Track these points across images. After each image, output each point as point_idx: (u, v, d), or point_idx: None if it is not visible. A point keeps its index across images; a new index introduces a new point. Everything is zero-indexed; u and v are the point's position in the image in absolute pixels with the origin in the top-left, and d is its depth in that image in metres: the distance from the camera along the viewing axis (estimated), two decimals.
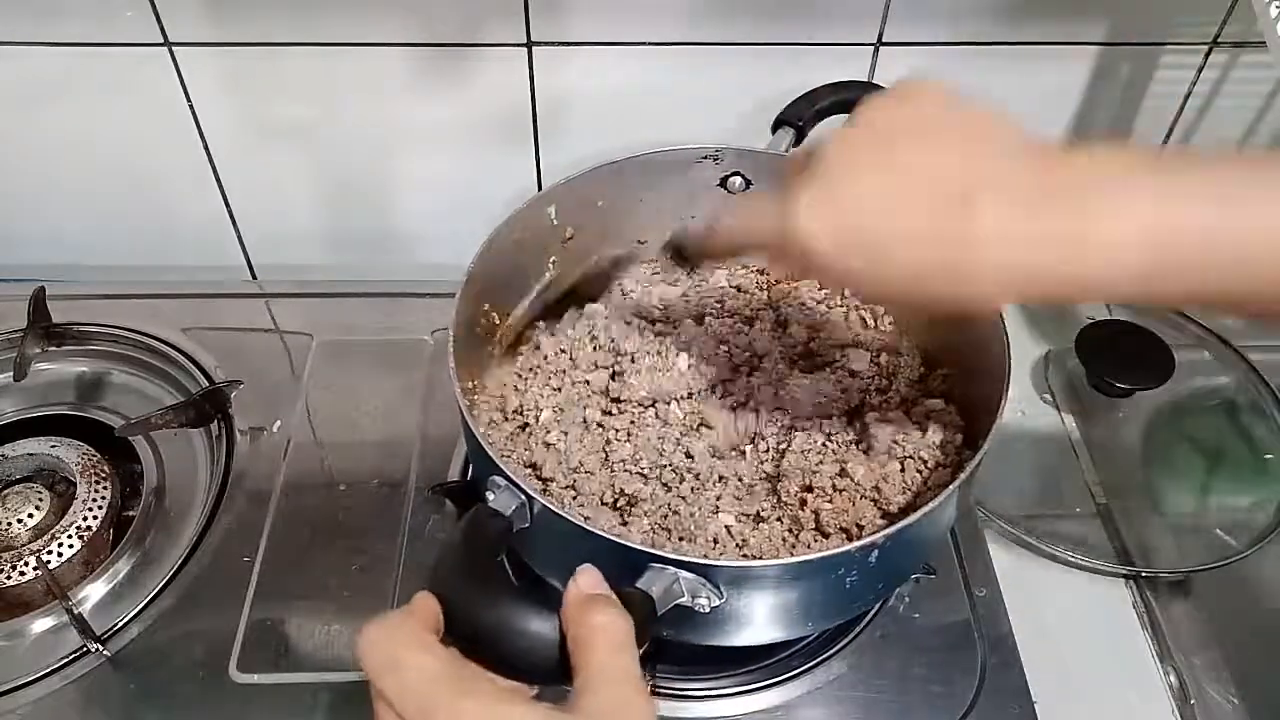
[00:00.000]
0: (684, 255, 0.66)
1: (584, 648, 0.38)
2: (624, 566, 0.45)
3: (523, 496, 0.51)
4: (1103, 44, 0.80)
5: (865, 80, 0.75)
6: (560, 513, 0.50)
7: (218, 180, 0.88)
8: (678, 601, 0.47)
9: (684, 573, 0.47)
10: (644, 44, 0.78)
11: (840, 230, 0.42)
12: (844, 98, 0.71)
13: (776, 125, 0.70)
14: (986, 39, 0.78)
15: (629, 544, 0.48)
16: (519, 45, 0.78)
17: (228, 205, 0.90)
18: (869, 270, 0.42)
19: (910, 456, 0.60)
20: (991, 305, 0.43)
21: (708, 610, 0.49)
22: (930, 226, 0.41)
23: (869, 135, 0.43)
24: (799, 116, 0.69)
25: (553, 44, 0.78)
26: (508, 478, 0.51)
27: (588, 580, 0.41)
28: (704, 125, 0.78)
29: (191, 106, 0.82)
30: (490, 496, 0.51)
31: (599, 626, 0.39)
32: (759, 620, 0.53)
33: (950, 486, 0.51)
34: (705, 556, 0.57)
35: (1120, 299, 0.42)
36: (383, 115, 0.84)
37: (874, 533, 0.51)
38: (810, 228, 0.42)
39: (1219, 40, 0.79)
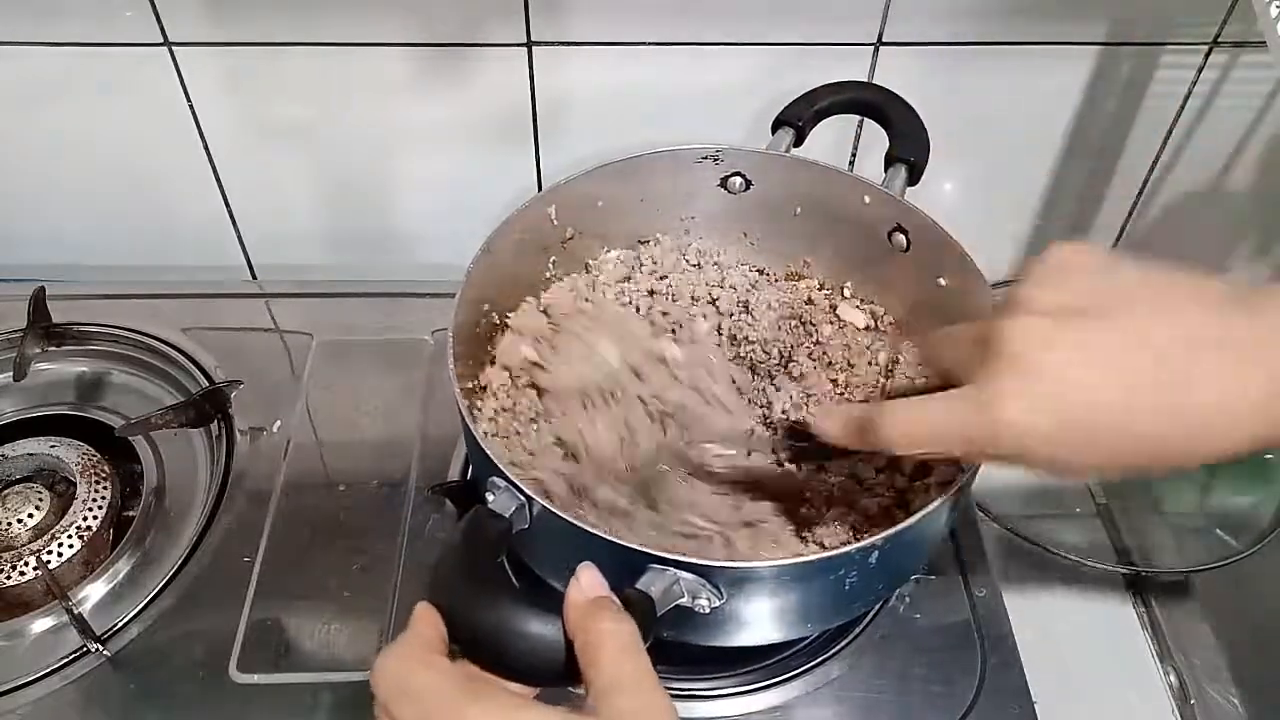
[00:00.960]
0: (813, 450, 0.57)
1: (593, 654, 0.38)
2: (624, 567, 0.45)
3: (522, 498, 0.50)
4: (1103, 44, 0.80)
5: (865, 81, 0.75)
6: (559, 514, 0.50)
7: (218, 180, 0.88)
8: (678, 602, 0.47)
9: (684, 574, 0.47)
10: (644, 44, 0.78)
11: (1058, 421, 0.39)
12: (843, 98, 0.71)
13: (776, 126, 0.70)
14: (986, 39, 0.78)
15: (629, 545, 0.48)
16: (519, 45, 0.78)
17: (228, 205, 0.90)
18: (1090, 458, 0.39)
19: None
20: (1223, 460, 0.39)
21: (708, 611, 0.49)
22: (1157, 401, 0.38)
23: (1043, 316, 0.40)
24: (799, 117, 0.69)
25: (553, 44, 0.78)
26: (507, 479, 0.51)
27: (589, 581, 0.41)
28: (703, 125, 0.78)
29: (191, 106, 0.82)
30: (490, 498, 0.51)
31: (606, 632, 0.39)
32: (759, 621, 0.53)
33: (952, 488, 0.51)
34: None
35: None
36: (383, 115, 0.84)
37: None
38: (1023, 423, 0.39)
39: (1219, 40, 0.79)
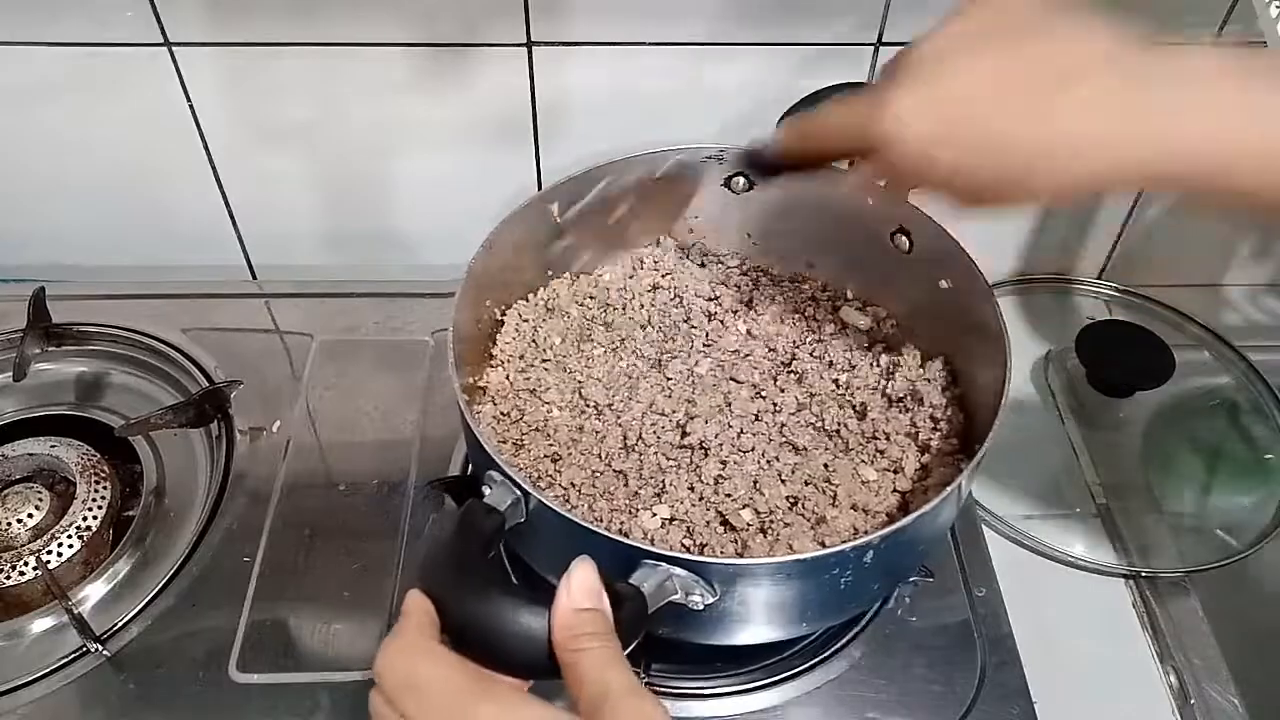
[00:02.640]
0: (761, 167, 0.60)
1: (573, 672, 0.39)
2: (617, 562, 0.45)
3: (518, 492, 0.51)
4: None
5: (868, 83, 0.75)
6: (554, 508, 0.50)
7: (218, 180, 0.88)
8: (671, 599, 0.47)
9: (677, 570, 0.47)
10: (644, 44, 0.78)
11: (937, 119, 0.42)
12: None
13: (779, 125, 0.70)
14: None
15: (622, 540, 0.48)
16: (519, 45, 0.78)
17: (228, 205, 0.90)
18: (964, 160, 0.42)
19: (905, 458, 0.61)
20: (1086, 190, 0.42)
21: (701, 608, 0.49)
22: (1028, 105, 0.41)
23: (960, 35, 0.43)
24: None
25: (553, 44, 0.78)
26: (503, 472, 0.51)
27: (580, 588, 0.41)
28: (703, 125, 0.78)
29: (191, 106, 0.82)
30: (486, 491, 0.51)
31: (585, 651, 0.39)
32: (753, 619, 0.53)
33: (947, 489, 0.51)
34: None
35: (1203, 184, 0.41)
36: (383, 115, 0.84)
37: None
38: (905, 118, 0.42)
39: (1219, 40, 0.79)
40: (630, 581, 0.46)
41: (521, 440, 0.63)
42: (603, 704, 0.37)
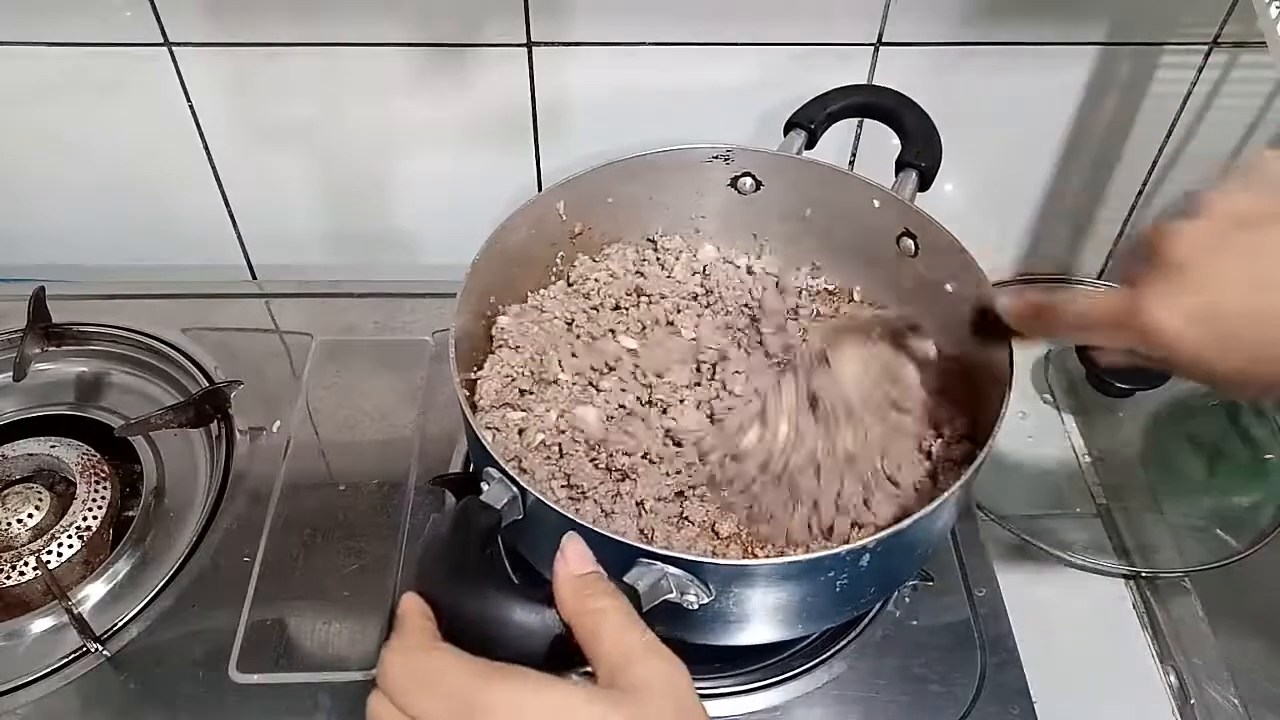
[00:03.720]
0: (993, 327, 0.57)
1: (594, 634, 0.38)
2: (612, 560, 0.45)
3: (515, 489, 0.51)
4: (1103, 44, 0.80)
5: (877, 85, 0.75)
6: (551, 505, 0.50)
7: (218, 180, 0.88)
8: (666, 598, 0.47)
9: (671, 569, 0.47)
10: (644, 44, 0.78)
11: (1197, 317, 0.40)
12: (856, 101, 0.71)
13: (788, 128, 0.70)
14: (986, 39, 0.78)
15: (617, 538, 0.48)
16: (519, 45, 0.78)
17: (228, 205, 0.90)
18: (1226, 357, 0.41)
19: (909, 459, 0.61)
20: None
21: (696, 608, 0.49)
22: None
23: (1220, 221, 0.41)
24: (811, 119, 0.70)
25: (553, 44, 0.78)
26: (501, 469, 0.51)
27: (575, 555, 0.41)
28: (703, 126, 0.78)
29: (191, 106, 0.82)
30: (484, 488, 0.51)
31: (602, 610, 0.39)
32: (749, 620, 0.53)
33: (945, 494, 0.51)
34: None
35: None
36: (383, 115, 0.84)
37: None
38: (1162, 314, 0.40)
39: (1219, 40, 0.79)
40: (625, 580, 0.46)
41: (523, 435, 0.63)
42: (627, 666, 0.37)
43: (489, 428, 0.63)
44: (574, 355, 0.67)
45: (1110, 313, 0.44)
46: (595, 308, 0.70)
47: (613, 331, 0.69)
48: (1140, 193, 0.90)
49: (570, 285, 0.72)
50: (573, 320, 0.69)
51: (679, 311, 0.70)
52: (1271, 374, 0.40)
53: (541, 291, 0.71)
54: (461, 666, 0.37)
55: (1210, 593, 0.71)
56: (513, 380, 0.66)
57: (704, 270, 0.73)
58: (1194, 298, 0.40)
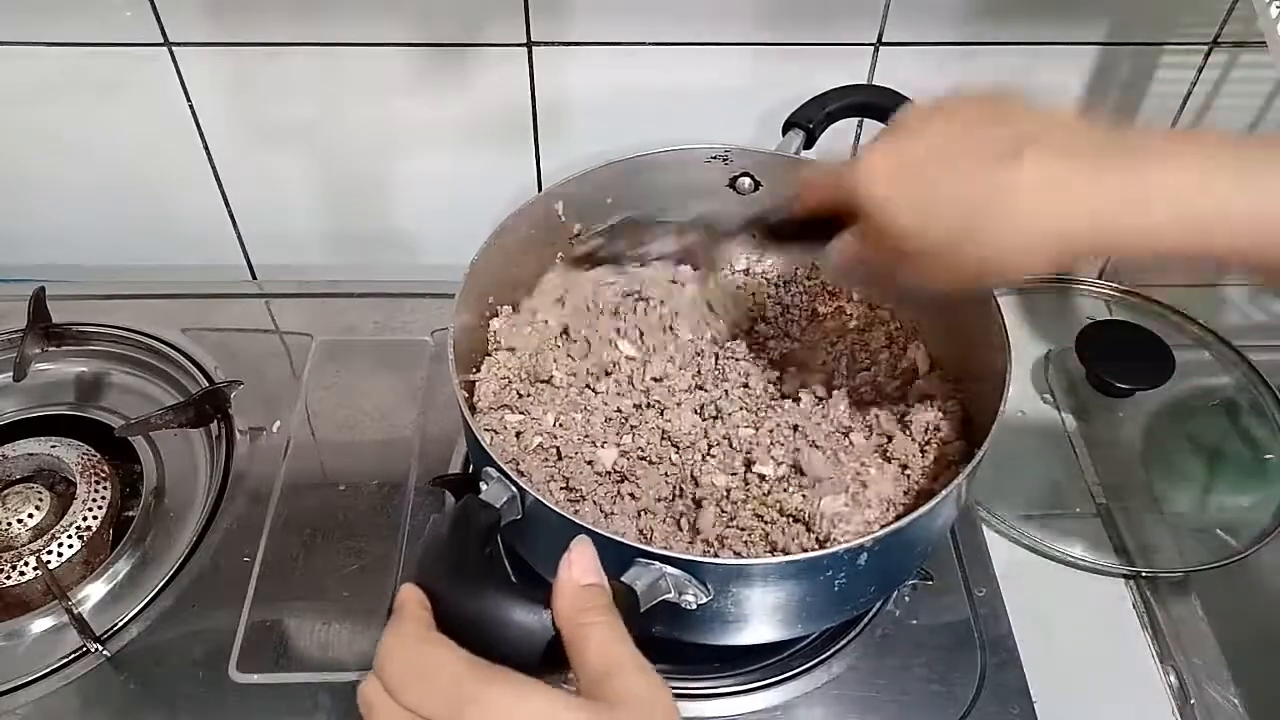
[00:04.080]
0: (773, 232, 0.59)
1: (580, 646, 0.38)
2: (611, 560, 0.45)
3: (514, 489, 0.51)
4: (1103, 44, 0.80)
5: (876, 84, 0.75)
6: (549, 505, 0.50)
7: (218, 180, 0.88)
8: (664, 598, 0.47)
9: (670, 569, 0.47)
10: (644, 44, 0.78)
11: (893, 177, 0.45)
12: (854, 101, 0.71)
13: (787, 127, 0.70)
14: (986, 39, 0.78)
15: (616, 538, 0.48)
16: (519, 45, 0.78)
17: (228, 205, 0.90)
18: (915, 219, 0.45)
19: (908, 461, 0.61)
20: (1029, 263, 0.44)
21: (694, 608, 0.49)
22: (981, 171, 0.43)
23: (938, 110, 0.47)
24: (809, 119, 0.69)
25: (553, 44, 0.78)
26: (500, 469, 0.51)
27: (581, 565, 0.41)
28: (702, 126, 0.78)
29: (191, 106, 0.82)
30: (483, 488, 0.51)
31: (593, 624, 0.39)
32: (748, 619, 0.53)
33: (942, 493, 0.51)
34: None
35: (1149, 251, 0.44)
36: (383, 115, 0.84)
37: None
38: (869, 175, 0.45)
39: (1219, 40, 0.79)
40: (623, 580, 0.46)
41: (520, 438, 0.63)
42: (608, 680, 0.37)
43: (487, 429, 0.63)
44: (570, 358, 0.67)
45: (836, 168, 0.49)
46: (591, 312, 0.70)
47: (615, 335, 0.68)
48: None
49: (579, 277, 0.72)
50: (566, 328, 0.69)
51: (676, 315, 0.70)
52: (941, 232, 0.44)
53: (548, 288, 0.71)
54: (457, 664, 0.37)
55: (1210, 593, 0.71)
56: (509, 383, 0.66)
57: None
58: (894, 149, 0.46)
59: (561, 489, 0.61)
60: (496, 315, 0.68)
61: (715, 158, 0.70)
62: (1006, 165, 0.43)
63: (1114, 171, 0.42)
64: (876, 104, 0.71)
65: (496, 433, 0.64)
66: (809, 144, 0.70)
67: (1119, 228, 0.42)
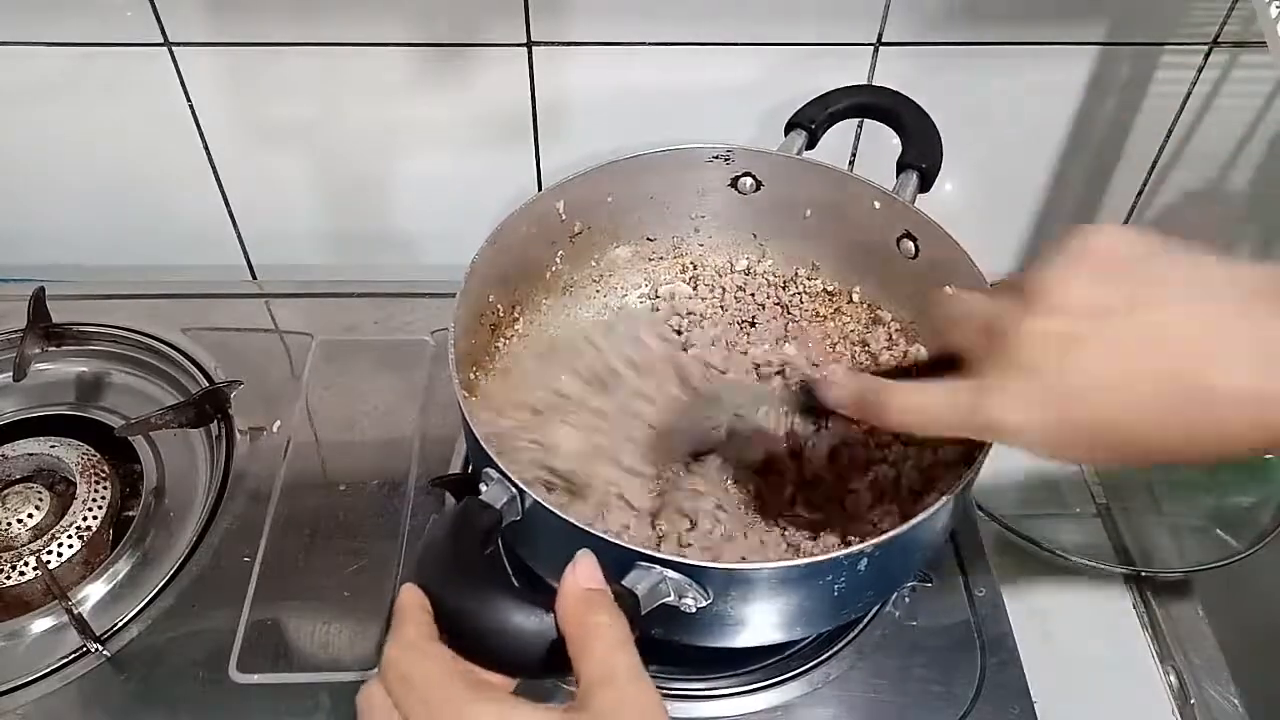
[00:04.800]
0: (814, 404, 0.54)
1: (585, 648, 0.39)
2: (611, 563, 0.45)
3: (514, 490, 0.51)
4: (1103, 44, 0.80)
5: (879, 85, 0.75)
6: (550, 507, 0.50)
7: (218, 180, 0.88)
8: (664, 601, 0.47)
9: (670, 572, 0.47)
10: (644, 44, 0.78)
11: (1056, 422, 0.39)
12: (857, 101, 0.71)
13: (789, 128, 0.70)
14: (986, 39, 0.78)
15: (616, 541, 0.48)
16: (519, 45, 0.78)
17: (228, 205, 0.90)
18: (1096, 453, 0.40)
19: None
20: (1232, 459, 0.40)
21: (694, 611, 0.49)
22: (1164, 406, 0.37)
23: (1056, 319, 0.39)
24: (812, 119, 0.70)
25: (553, 44, 0.78)
26: (500, 470, 0.51)
27: (585, 572, 0.41)
28: (702, 126, 0.78)
29: (191, 106, 0.82)
30: (483, 488, 0.51)
31: (599, 626, 0.39)
32: (747, 623, 0.53)
33: (944, 498, 0.51)
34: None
35: None
36: (383, 115, 0.84)
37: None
38: (1017, 422, 0.39)
39: (1219, 40, 0.79)
40: (623, 583, 0.46)
41: (521, 437, 0.63)
42: (606, 685, 0.37)
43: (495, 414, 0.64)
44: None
45: (950, 412, 0.42)
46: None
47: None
48: (1140, 193, 0.90)
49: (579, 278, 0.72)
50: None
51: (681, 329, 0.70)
52: (1121, 458, 0.39)
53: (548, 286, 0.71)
54: (449, 676, 0.38)
55: (1210, 593, 0.71)
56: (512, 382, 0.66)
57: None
58: (1047, 393, 0.39)
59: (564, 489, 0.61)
60: (508, 306, 0.68)
61: (717, 158, 0.70)
62: (1195, 390, 0.36)
63: None
64: (879, 105, 0.71)
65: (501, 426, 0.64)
66: (811, 144, 0.70)
67: None
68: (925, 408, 0.43)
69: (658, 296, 0.75)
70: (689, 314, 0.73)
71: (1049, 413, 0.39)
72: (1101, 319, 0.38)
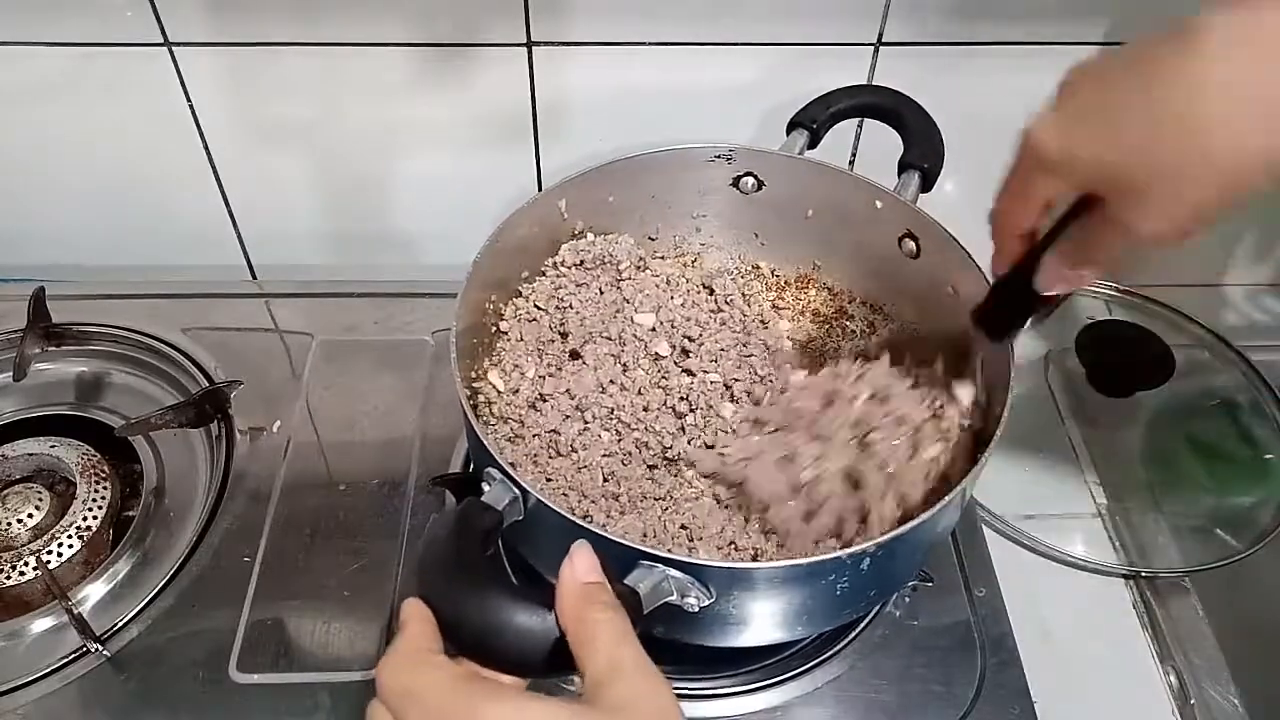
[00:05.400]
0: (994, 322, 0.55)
1: (587, 643, 0.38)
2: (613, 562, 0.45)
3: (516, 490, 0.51)
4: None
5: (881, 85, 0.75)
6: (552, 506, 0.50)
7: (218, 180, 0.88)
8: (666, 600, 0.47)
9: (673, 571, 0.47)
10: (644, 44, 0.78)
11: (1069, 119, 0.43)
12: (859, 101, 0.71)
13: (791, 127, 0.70)
14: (986, 39, 0.78)
15: (618, 540, 0.48)
16: (519, 45, 0.78)
17: (228, 205, 0.90)
18: (1100, 147, 0.42)
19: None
20: (1242, 168, 0.39)
21: (696, 610, 0.49)
22: (1154, 84, 0.40)
23: (1093, 67, 0.43)
24: (814, 119, 0.70)
25: (553, 44, 0.78)
26: (502, 470, 0.51)
27: (583, 564, 0.41)
28: (702, 125, 0.78)
29: (191, 106, 0.82)
30: (485, 489, 0.51)
31: (600, 621, 0.39)
32: (749, 622, 0.53)
33: (945, 498, 0.51)
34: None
35: None
36: (383, 115, 0.84)
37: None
38: (1041, 131, 0.44)
39: None
40: (626, 582, 0.46)
41: (521, 437, 0.63)
42: (614, 678, 0.37)
43: (508, 420, 0.64)
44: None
45: (1015, 160, 0.47)
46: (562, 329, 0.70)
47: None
48: None
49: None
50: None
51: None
52: (1134, 152, 0.41)
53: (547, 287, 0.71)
54: (450, 684, 0.38)
55: (1210, 593, 0.71)
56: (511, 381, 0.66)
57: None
58: (1060, 106, 0.43)
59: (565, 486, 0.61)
60: (508, 305, 0.69)
61: (719, 157, 0.70)
62: (1180, 66, 0.39)
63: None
64: (881, 105, 0.71)
65: (503, 426, 0.64)
66: (813, 144, 0.70)
67: None
68: (1006, 176, 0.49)
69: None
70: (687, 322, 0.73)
71: (1061, 116, 0.44)
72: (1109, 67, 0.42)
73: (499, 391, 0.66)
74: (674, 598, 0.48)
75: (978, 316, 0.55)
